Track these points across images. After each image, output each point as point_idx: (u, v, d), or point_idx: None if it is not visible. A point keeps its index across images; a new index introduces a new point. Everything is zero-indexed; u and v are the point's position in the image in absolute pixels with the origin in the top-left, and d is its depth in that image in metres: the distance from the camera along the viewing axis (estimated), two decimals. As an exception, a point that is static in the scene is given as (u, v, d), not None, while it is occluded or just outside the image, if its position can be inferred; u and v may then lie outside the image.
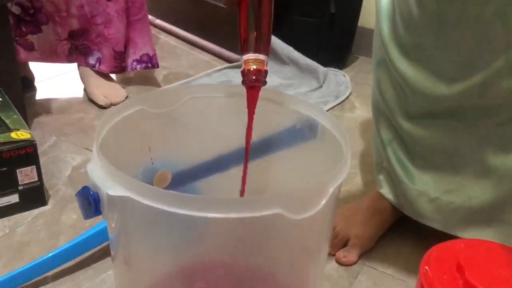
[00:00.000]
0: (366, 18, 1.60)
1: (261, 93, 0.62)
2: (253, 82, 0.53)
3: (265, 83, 0.54)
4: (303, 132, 0.60)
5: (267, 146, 0.64)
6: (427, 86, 0.69)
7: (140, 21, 1.37)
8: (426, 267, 0.48)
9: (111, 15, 1.29)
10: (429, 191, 0.75)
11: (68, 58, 1.31)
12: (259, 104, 0.63)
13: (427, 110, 0.71)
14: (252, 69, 0.52)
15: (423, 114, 0.72)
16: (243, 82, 0.54)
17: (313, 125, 0.58)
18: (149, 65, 1.41)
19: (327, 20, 1.54)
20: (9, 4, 1.17)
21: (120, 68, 1.36)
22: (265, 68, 0.53)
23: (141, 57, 1.39)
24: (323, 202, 0.43)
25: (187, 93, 0.63)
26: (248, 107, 0.56)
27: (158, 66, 1.43)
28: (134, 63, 1.39)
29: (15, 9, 1.22)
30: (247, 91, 0.55)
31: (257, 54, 0.52)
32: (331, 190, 0.44)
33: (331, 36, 1.57)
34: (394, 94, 0.76)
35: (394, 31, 0.72)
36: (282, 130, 0.62)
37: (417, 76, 0.69)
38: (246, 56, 0.53)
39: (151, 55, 1.40)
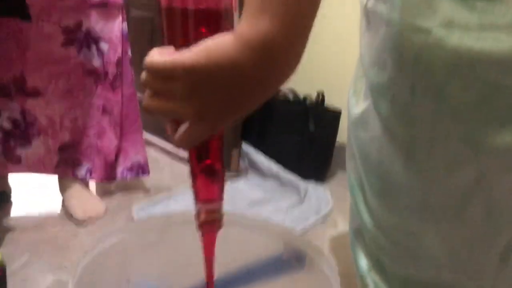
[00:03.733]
0: (344, 136, 1.66)
1: (245, 221, 0.62)
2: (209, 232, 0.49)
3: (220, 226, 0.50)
4: (290, 262, 0.58)
5: (250, 276, 0.62)
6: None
7: (134, 132, 1.40)
8: None
9: (104, 127, 1.32)
10: None
11: (56, 170, 1.31)
12: (243, 231, 0.62)
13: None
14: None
15: None
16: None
17: (300, 256, 0.57)
18: (140, 173, 1.41)
19: (307, 137, 1.60)
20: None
21: (110, 177, 1.36)
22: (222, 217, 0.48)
23: (131, 165, 1.40)
24: None
25: (170, 221, 0.62)
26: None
27: (148, 173, 1.43)
28: (125, 171, 1.39)
29: (6, 124, 1.23)
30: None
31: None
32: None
33: (311, 152, 1.62)
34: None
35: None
36: (267, 259, 0.61)
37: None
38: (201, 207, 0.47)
39: (142, 163, 1.41)
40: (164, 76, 0.40)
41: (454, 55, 0.48)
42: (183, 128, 0.42)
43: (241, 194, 1.48)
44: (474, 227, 0.61)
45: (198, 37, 0.40)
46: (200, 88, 0.39)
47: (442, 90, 0.51)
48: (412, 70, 0.52)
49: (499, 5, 0.46)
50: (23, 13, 1.09)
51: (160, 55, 0.41)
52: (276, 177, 1.58)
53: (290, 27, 0.39)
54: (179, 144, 0.43)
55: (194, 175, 0.46)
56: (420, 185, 0.62)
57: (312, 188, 1.55)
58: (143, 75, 0.41)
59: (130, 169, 1.40)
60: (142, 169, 1.42)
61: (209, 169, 0.46)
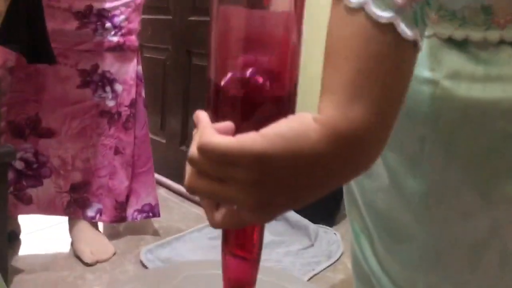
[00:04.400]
0: (354, 177, 1.65)
1: (260, 272, 0.61)
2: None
3: None
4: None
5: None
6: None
7: (145, 173, 1.40)
8: None
9: (116, 167, 1.33)
10: None
11: (66, 211, 1.31)
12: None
13: None
14: None
15: None
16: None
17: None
18: (150, 214, 1.41)
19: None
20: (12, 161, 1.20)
21: (120, 218, 1.35)
22: None
23: (142, 207, 1.39)
24: None
25: (183, 271, 0.61)
26: None
27: (159, 215, 1.42)
28: (135, 213, 1.38)
29: (18, 164, 1.24)
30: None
31: None
32: None
33: (321, 194, 1.61)
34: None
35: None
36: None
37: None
38: None
39: (153, 204, 1.41)
40: (226, 162, 0.34)
41: (462, 105, 0.47)
42: (231, 212, 0.37)
43: (250, 236, 1.47)
44: (489, 278, 0.60)
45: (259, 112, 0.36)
46: (269, 178, 0.33)
47: (452, 141, 0.50)
48: (421, 122, 0.51)
49: (502, 55, 0.46)
50: (51, 59, 1.11)
51: (220, 137, 0.34)
52: (286, 220, 1.56)
53: (385, 116, 0.35)
54: (219, 225, 0.37)
55: (228, 257, 0.42)
56: (432, 236, 0.60)
57: (323, 231, 1.53)
58: (194, 154, 0.35)
59: (141, 210, 1.39)
60: (152, 211, 1.41)
61: (247, 254, 0.41)
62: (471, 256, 0.59)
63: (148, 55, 1.98)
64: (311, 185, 0.35)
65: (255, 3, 0.36)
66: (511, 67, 0.45)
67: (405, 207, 0.62)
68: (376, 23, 0.33)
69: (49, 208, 1.30)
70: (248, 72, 0.36)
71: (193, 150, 0.35)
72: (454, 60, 0.47)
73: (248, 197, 0.34)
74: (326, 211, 1.63)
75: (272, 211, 0.36)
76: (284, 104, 0.38)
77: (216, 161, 0.34)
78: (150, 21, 1.90)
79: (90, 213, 1.32)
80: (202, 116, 0.37)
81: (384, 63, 0.34)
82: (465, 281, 0.61)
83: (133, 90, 1.33)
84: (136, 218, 1.39)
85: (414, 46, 0.35)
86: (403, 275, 0.68)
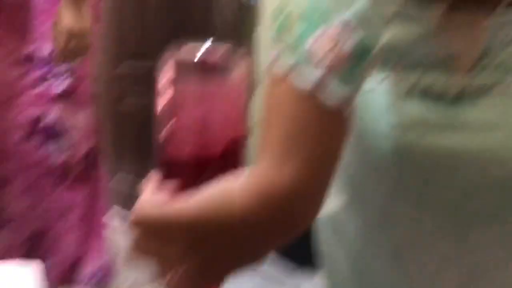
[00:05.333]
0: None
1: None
2: None
3: None
4: None
5: None
6: None
7: (100, 232, 1.34)
8: None
9: (67, 226, 1.27)
10: None
11: (22, 262, 1.24)
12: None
13: None
14: None
15: None
16: None
17: None
18: (107, 277, 1.33)
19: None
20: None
21: (69, 280, 1.28)
22: None
23: (97, 268, 1.32)
24: None
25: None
26: None
27: (114, 277, 1.35)
28: (87, 277, 1.30)
29: None
30: None
31: None
32: None
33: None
34: None
35: None
36: None
37: None
38: None
39: (109, 265, 1.34)
40: (157, 232, 0.35)
41: (430, 156, 0.47)
42: (180, 274, 0.36)
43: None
44: None
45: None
46: (202, 244, 0.35)
47: (423, 191, 0.50)
48: (388, 176, 0.50)
49: (467, 103, 0.45)
50: None
51: (153, 206, 0.36)
52: (257, 271, 1.46)
53: (316, 176, 0.37)
54: None
55: None
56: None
57: (308, 283, 1.42)
58: (130, 225, 0.36)
59: (95, 274, 1.32)
60: (108, 273, 1.33)
61: None
62: None
63: (130, 101, 1.88)
64: (249, 248, 0.36)
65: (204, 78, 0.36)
66: (476, 114, 0.46)
67: (380, 263, 0.60)
68: (299, 91, 0.36)
69: (6, 258, 1.23)
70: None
71: (132, 216, 0.37)
72: (417, 110, 0.47)
73: (189, 259, 0.35)
74: (311, 252, 1.52)
75: (217, 276, 0.37)
76: (231, 161, 0.38)
77: (149, 233, 0.36)
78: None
79: (43, 268, 1.23)
80: (151, 180, 0.38)
81: (309, 128, 0.36)
82: None
83: (86, 143, 1.28)
84: (91, 281, 1.30)
85: (340, 111, 0.37)
86: None
